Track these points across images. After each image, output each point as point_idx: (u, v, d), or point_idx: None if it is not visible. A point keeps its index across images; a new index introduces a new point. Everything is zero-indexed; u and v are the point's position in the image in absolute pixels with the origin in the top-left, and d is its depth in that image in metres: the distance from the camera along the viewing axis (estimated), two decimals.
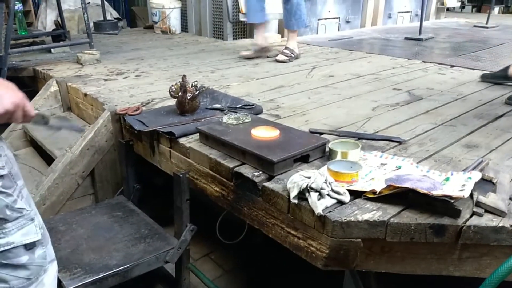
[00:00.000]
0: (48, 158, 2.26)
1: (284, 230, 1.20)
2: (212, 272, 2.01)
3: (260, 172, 1.29)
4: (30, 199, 1.01)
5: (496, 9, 8.31)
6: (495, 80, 2.46)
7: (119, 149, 1.88)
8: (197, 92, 1.77)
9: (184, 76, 1.78)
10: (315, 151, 1.38)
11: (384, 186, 1.12)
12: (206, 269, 2.02)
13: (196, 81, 1.83)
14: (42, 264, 1.01)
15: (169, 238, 1.60)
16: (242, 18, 4.01)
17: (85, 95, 2.26)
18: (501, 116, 1.89)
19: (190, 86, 1.77)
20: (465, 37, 3.65)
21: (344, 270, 1.40)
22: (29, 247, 0.97)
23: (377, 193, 1.11)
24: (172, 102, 1.84)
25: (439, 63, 3.03)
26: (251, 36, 4.25)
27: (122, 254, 1.50)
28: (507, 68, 2.42)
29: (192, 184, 1.54)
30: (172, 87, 1.78)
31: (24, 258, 0.96)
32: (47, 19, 4.94)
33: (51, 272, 1.05)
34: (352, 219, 1.04)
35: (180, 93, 1.75)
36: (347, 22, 5.03)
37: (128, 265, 1.45)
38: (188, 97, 1.74)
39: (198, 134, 1.56)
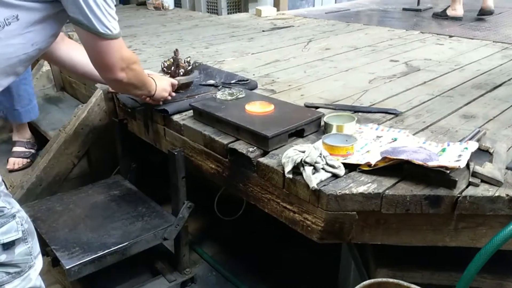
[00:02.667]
0: (43, 139, 2.24)
1: (280, 205, 1.20)
2: (211, 248, 2.02)
3: (255, 148, 1.27)
4: (9, 196, 0.98)
5: None
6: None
7: (113, 128, 1.86)
8: (190, 68, 1.73)
9: (176, 50, 1.73)
10: (310, 125, 1.36)
11: (380, 158, 1.11)
12: (205, 245, 2.04)
13: (189, 57, 1.80)
14: (27, 261, 0.99)
15: (167, 215, 1.60)
16: None
17: None
18: (499, 85, 1.86)
19: (183, 62, 1.73)
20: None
21: (341, 243, 1.41)
22: (7, 246, 0.94)
23: (372, 165, 1.10)
24: None
25: (437, 34, 2.97)
26: (246, 10, 4.16)
27: (120, 233, 1.51)
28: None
29: (188, 161, 1.53)
30: (165, 63, 1.74)
31: (2, 257, 0.95)
32: None
33: (38, 266, 1.04)
34: (347, 192, 1.03)
35: (172, 69, 1.71)
36: None
37: (127, 243, 1.46)
38: (181, 73, 1.71)
39: (192, 111, 1.54)
